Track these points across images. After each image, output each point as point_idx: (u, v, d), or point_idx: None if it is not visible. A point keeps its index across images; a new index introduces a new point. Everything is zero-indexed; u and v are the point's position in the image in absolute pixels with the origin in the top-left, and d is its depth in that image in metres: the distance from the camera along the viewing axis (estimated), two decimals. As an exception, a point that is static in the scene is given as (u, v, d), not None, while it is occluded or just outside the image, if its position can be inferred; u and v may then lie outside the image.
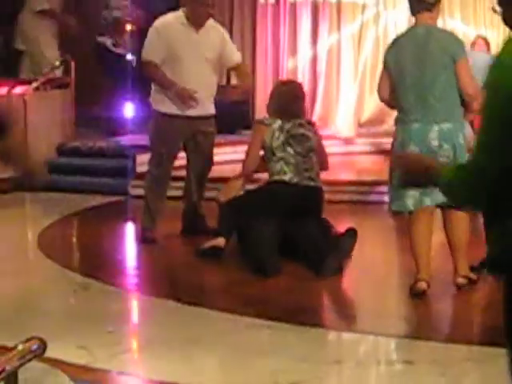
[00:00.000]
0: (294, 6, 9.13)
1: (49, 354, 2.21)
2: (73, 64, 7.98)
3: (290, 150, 5.04)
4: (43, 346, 1.94)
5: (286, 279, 4.73)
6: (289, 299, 4.43)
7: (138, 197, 6.32)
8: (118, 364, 3.65)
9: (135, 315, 4.73)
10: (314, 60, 9.10)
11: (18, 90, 7.66)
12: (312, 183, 5.07)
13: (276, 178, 5.06)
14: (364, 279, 4.98)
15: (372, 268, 5.09)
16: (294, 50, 9.13)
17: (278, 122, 5.06)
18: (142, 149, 6.86)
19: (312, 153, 5.10)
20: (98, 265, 5.31)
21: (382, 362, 3.76)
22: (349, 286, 4.94)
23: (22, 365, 1.90)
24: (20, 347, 1.91)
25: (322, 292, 4.79)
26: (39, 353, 1.94)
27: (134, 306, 4.85)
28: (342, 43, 8.95)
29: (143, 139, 6.69)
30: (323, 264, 4.61)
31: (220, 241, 5.02)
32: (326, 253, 4.69)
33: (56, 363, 3.31)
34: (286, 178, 5.01)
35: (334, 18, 9.06)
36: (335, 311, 4.75)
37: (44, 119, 7.68)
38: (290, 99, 5.20)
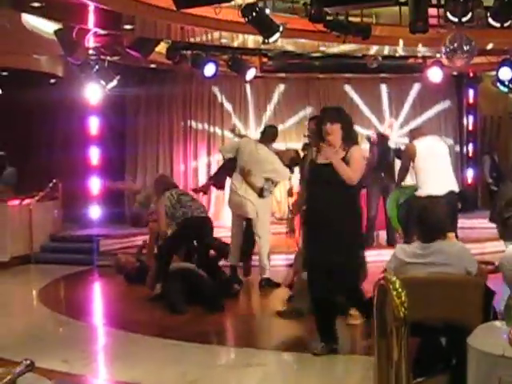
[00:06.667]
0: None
1: (42, 365, 3.36)
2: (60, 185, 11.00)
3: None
4: (32, 363, 2.43)
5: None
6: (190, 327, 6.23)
7: (101, 266, 9.09)
8: (89, 371, 4.98)
9: (100, 340, 6.24)
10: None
11: (26, 201, 10.33)
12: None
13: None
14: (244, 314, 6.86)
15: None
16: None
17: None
18: (103, 236, 9.96)
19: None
20: (76, 308, 7.24)
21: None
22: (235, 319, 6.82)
23: (19, 375, 2.35)
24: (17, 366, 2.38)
25: (213, 323, 6.44)
26: (30, 368, 2.42)
27: (97, 335, 6.41)
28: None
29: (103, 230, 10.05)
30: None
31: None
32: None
33: (46, 372, 4.14)
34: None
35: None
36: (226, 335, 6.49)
37: (42, 219, 10.53)
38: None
